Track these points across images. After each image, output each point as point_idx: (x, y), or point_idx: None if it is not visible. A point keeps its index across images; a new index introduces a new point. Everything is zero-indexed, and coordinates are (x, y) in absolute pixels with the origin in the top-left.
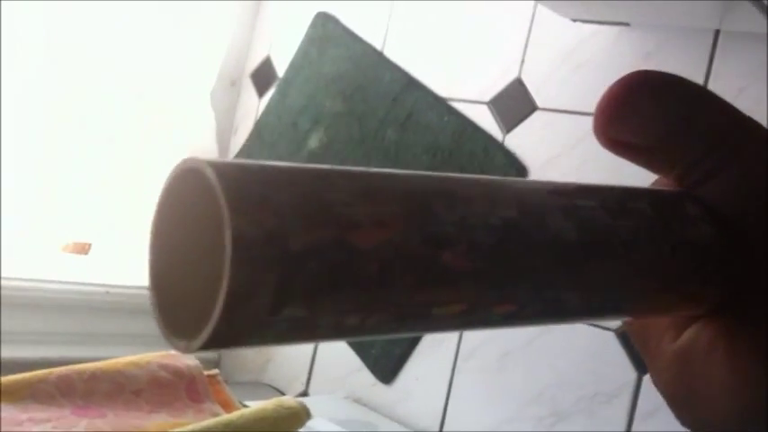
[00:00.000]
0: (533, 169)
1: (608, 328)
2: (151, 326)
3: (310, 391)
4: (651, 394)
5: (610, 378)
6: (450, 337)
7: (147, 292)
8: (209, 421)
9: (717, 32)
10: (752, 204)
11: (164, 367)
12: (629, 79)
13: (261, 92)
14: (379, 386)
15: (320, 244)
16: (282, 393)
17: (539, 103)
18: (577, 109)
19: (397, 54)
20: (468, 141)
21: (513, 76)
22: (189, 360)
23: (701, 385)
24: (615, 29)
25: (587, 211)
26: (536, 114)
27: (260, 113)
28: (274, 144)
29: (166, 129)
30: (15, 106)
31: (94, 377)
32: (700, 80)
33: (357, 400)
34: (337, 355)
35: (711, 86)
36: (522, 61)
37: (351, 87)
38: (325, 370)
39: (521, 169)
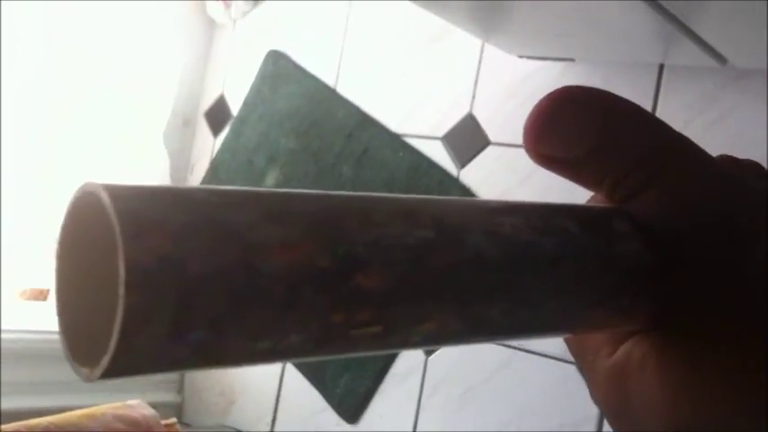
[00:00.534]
0: None
1: (569, 362)
2: None
3: None
4: None
5: (574, 410)
6: (414, 373)
7: None
8: None
9: (661, 67)
10: (679, 221)
11: (119, 418)
12: (555, 94)
13: (216, 130)
14: (345, 426)
15: (221, 267)
16: None
17: (491, 137)
18: None
19: (350, 90)
20: (424, 176)
21: (465, 112)
22: (145, 410)
23: (634, 398)
24: (560, 64)
25: (510, 229)
26: (489, 149)
27: (215, 152)
28: (231, 182)
29: (120, 169)
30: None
31: None
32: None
33: None
34: (302, 396)
35: None
36: (474, 96)
37: (305, 124)
38: (289, 411)
39: None
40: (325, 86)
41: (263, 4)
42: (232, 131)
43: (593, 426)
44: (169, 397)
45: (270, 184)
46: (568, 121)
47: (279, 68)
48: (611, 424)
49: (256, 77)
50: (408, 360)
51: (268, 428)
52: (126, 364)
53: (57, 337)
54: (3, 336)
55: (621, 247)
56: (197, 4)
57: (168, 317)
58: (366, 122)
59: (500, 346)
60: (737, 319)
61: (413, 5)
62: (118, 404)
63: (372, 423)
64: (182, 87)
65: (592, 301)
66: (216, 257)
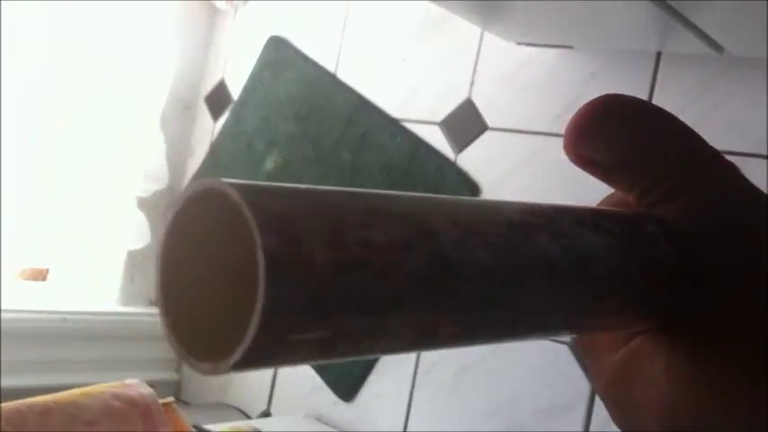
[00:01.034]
0: (486, 187)
1: (561, 342)
2: (109, 352)
3: (272, 410)
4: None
5: (564, 390)
6: (408, 354)
7: (105, 318)
8: None
9: (658, 54)
10: (703, 230)
11: (117, 397)
12: (599, 101)
13: (216, 115)
14: (341, 404)
15: (347, 263)
16: (245, 414)
17: (489, 122)
18: (526, 128)
19: (350, 76)
20: (422, 161)
21: (464, 97)
22: (143, 389)
23: (641, 392)
24: (558, 51)
25: (569, 230)
26: (487, 134)
27: (215, 136)
28: (230, 166)
29: (119, 151)
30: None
31: (47, 410)
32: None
33: (319, 419)
34: (298, 375)
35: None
36: (472, 83)
37: (304, 109)
38: (286, 389)
39: (473, 187)
40: (326, 72)
41: None
42: (232, 116)
43: (584, 403)
44: (167, 375)
45: (269, 168)
46: (605, 130)
47: (279, 54)
48: (614, 418)
49: (257, 63)
50: None
51: (265, 407)
52: (259, 356)
53: (55, 316)
54: (2, 315)
55: (657, 250)
56: None
57: (299, 310)
58: (365, 107)
59: None
60: (749, 323)
61: None
62: (116, 383)
63: (368, 402)
64: (183, 72)
65: (622, 303)
66: (338, 254)
